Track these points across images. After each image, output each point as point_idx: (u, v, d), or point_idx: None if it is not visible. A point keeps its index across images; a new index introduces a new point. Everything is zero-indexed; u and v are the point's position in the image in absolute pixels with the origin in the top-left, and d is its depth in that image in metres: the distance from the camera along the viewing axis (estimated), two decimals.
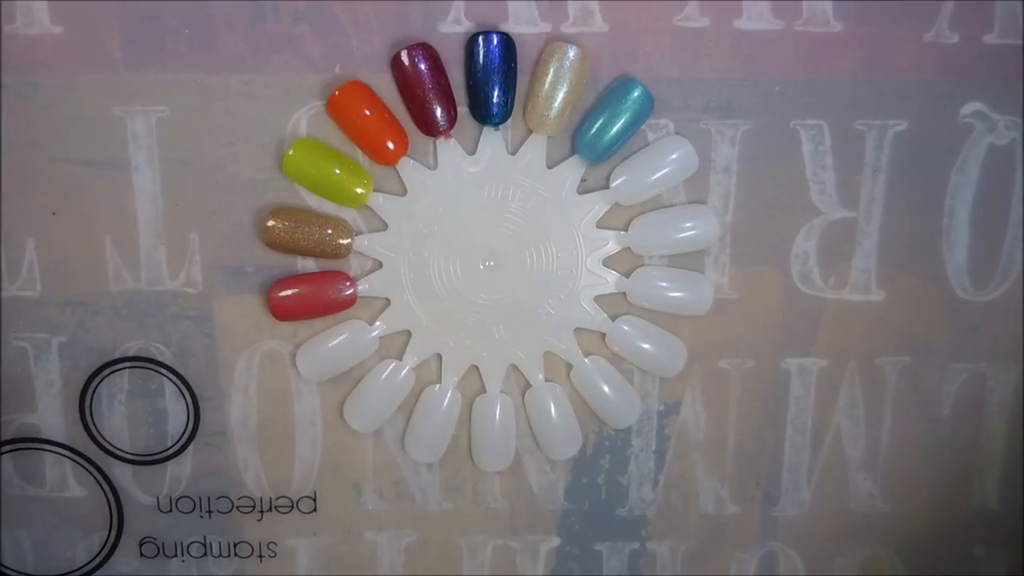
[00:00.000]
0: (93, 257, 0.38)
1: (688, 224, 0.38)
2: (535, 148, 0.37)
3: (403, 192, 0.38)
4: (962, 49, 0.36)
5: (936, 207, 0.38)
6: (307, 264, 0.38)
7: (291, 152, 0.36)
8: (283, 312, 0.37)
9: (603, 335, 0.39)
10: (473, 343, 0.39)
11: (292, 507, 0.41)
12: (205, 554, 0.41)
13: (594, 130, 0.36)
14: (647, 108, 0.36)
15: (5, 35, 0.35)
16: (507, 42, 0.35)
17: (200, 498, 0.41)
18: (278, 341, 0.39)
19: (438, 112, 0.36)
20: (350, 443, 0.40)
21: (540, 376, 0.39)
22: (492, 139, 0.37)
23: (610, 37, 0.36)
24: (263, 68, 0.36)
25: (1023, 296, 0.39)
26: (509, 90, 0.36)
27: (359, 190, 0.37)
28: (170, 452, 0.40)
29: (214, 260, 0.38)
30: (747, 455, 0.41)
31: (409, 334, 0.39)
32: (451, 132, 0.37)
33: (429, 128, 0.36)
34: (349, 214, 0.38)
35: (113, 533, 0.41)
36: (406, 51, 0.35)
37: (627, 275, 0.38)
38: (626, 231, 0.38)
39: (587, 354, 0.39)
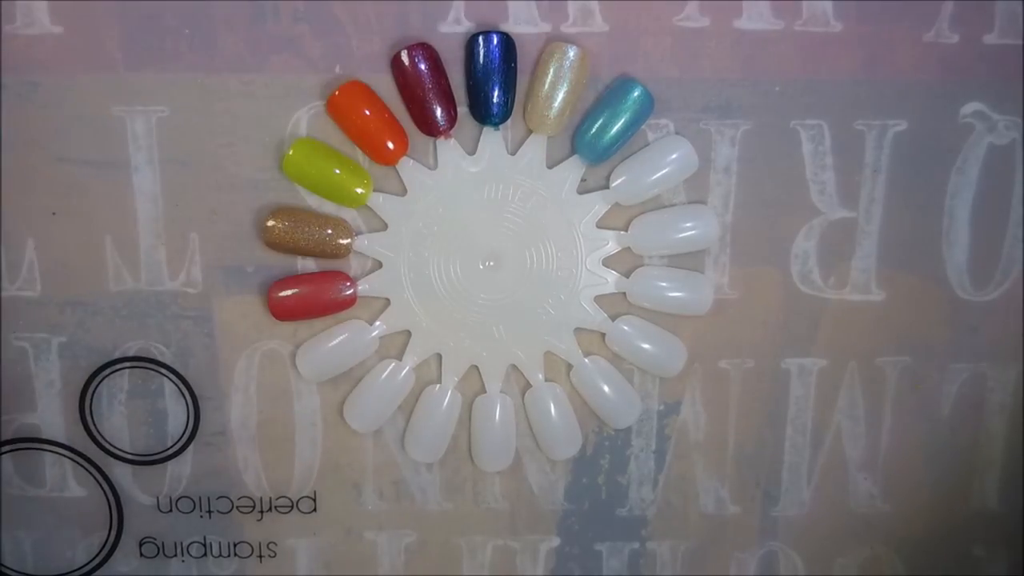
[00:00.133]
0: (93, 257, 0.38)
1: (688, 224, 0.38)
2: (535, 148, 0.37)
3: (403, 192, 0.38)
4: (962, 49, 0.36)
5: (936, 207, 0.38)
6: (307, 264, 0.38)
7: (291, 152, 0.36)
8: (283, 312, 0.37)
9: (603, 335, 0.39)
10: (473, 343, 0.39)
11: (292, 507, 0.41)
12: (205, 554, 0.41)
13: (594, 130, 0.36)
14: (647, 108, 0.36)
15: (5, 35, 0.35)
16: (507, 42, 0.35)
17: (200, 498, 0.41)
18: (278, 341, 0.39)
19: (438, 112, 0.36)
20: (350, 443, 0.40)
21: (540, 376, 0.39)
22: (492, 139, 0.37)
23: (610, 37, 0.36)
24: (263, 68, 0.36)
25: (1023, 296, 0.39)
26: (509, 90, 0.36)
27: (359, 190, 0.37)
28: (170, 452, 0.40)
29: (214, 260, 0.38)
30: (747, 455, 0.41)
31: (409, 334, 0.39)
32: (451, 132, 0.37)
33: (429, 128, 0.36)
34: (349, 214, 0.38)
35: (113, 533, 0.41)
36: (406, 51, 0.35)
37: (627, 275, 0.38)
38: (626, 231, 0.38)
39: (587, 354, 0.39)
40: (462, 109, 0.37)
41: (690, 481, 0.41)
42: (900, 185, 0.38)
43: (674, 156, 0.37)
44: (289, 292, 0.37)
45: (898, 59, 0.37)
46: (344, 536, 0.41)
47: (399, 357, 0.39)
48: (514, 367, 0.39)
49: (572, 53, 0.35)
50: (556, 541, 0.42)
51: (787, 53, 0.36)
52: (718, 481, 0.41)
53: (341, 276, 0.38)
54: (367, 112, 0.36)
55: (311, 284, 0.38)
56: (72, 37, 0.35)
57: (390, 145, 0.36)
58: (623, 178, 0.37)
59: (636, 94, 0.36)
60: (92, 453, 0.40)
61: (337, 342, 0.38)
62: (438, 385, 0.39)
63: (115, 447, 0.40)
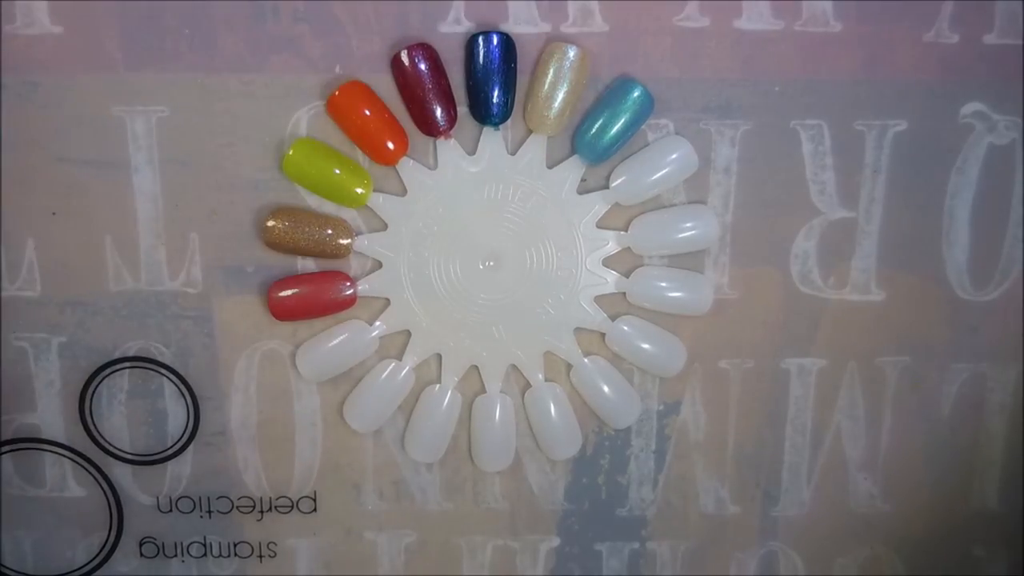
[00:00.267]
0: (93, 257, 0.38)
1: (688, 224, 0.38)
2: (535, 148, 0.37)
3: (403, 192, 0.38)
4: (962, 49, 0.36)
5: (936, 207, 0.38)
6: (307, 264, 0.38)
7: (291, 152, 0.36)
8: (283, 312, 0.37)
9: (603, 335, 0.39)
10: (473, 343, 0.39)
11: (292, 507, 0.41)
12: (205, 554, 0.41)
13: (594, 130, 0.36)
14: (647, 108, 0.36)
15: (5, 35, 0.35)
16: (507, 42, 0.35)
17: (200, 498, 0.41)
18: (278, 341, 0.39)
19: (438, 112, 0.36)
20: (350, 443, 0.40)
21: (540, 376, 0.39)
22: (492, 139, 0.37)
23: (610, 37, 0.36)
24: (263, 68, 0.36)
25: (1023, 296, 0.39)
26: (509, 90, 0.36)
27: (359, 190, 0.37)
28: (170, 452, 0.40)
29: (214, 260, 0.38)
30: (747, 455, 0.41)
31: (409, 334, 0.39)
32: (451, 132, 0.37)
33: (429, 128, 0.36)
34: (349, 214, 0.38)
35: (113, 533, 0.41)
36: (406, 51, 0.35)
37: (627, 275, 0.38)
38: (626, 231, 0.38)
39: (587, 354, 0.39)
40: (462, 109, 0.37)
41: (690, 481, 0.41)
42: (900, 185, 0.38)
43: (674, 156, 0.37)
44: (289, 292, 0.37)
45: (898, 59, 0.37)
46: (344, 536, 0.41)
47: (399, 357, 0.39)
48: (514, 367, 0.39)
49: (572, 53, 0.35)
50: (556, 541, 0.42)
51: (787, 53, 0.36)
52: (718, 481, 0.41)
53: (341, 276, 0.38)
54: (367, 112, 0.36)
55: (311, 284, 0.38)
56: (72, 37, 0.35)
57: (390, 145, 0.36)
58: (623, 178, 0.37)
59: (636, 94, 0.36)
60: (92, 453, 0.40)
61: (337, 342, 0.38)
62: (438, 385, 0.39)
63: (115, 447, 0.40)
